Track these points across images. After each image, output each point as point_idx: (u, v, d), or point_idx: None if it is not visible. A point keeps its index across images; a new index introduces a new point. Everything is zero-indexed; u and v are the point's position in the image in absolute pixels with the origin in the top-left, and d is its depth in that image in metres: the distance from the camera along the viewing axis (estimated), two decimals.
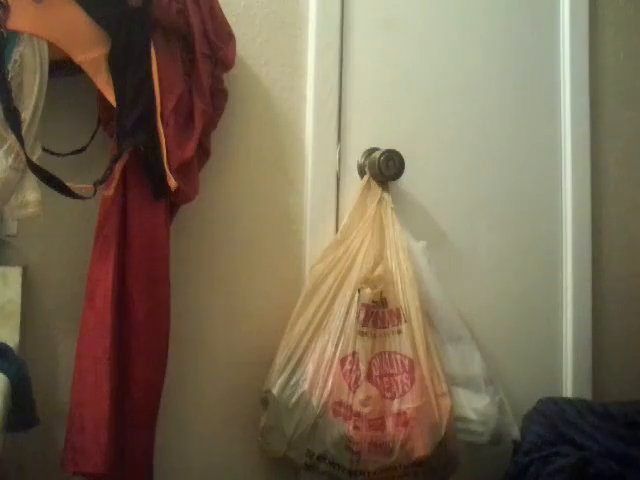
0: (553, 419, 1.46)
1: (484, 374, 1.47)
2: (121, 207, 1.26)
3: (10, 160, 1.13)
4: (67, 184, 1.17)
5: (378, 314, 1.41)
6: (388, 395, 1.37)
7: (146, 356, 1.27)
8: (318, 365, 1.37)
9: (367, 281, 1.41)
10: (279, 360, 1.39)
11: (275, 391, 1.36)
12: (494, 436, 1.43)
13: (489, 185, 1.71)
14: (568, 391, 1.71)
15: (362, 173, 1.57)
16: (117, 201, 1.25)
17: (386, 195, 1.51)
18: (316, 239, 1.53)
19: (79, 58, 1.17)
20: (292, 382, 1.37)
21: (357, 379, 1.36)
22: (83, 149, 1.32)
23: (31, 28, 1.13)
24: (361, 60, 1.62)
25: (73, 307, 1.29)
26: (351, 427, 1.34)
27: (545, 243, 1.75)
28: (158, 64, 1.26)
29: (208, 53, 1.35)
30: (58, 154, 1.28)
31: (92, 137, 1.33)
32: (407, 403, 1.35)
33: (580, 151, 1.78)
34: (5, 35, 1.12)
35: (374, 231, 1.46)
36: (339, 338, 1.38)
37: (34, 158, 1.15)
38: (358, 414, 1.34)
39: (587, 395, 1.71)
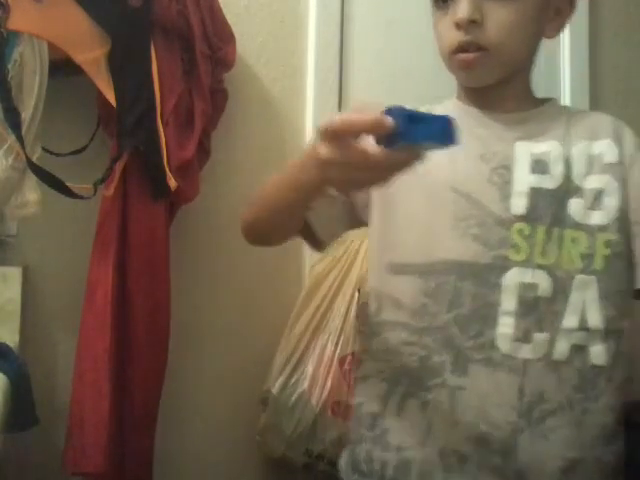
0: None
1: None
2: (121, 207, 1.26)
3: (10, 160, 1.13)
4: (67, 184, 1.17)
5: None
6: None
7: (146, 356, 1.27)
8: (318, 365, 1.37)
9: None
10: (279, 360, 1.39)
11: (275, 390, 1.36)
12: None
13: None
14: None
15: None
16: (117, 201, 1.25)
17: None
18: None
19: (79, 58, 1.17)
20: (292, 381, 1.37)
21: None
22: (83, 149, 1.32)
23: (31, 28, 1.13)
24: (361, 60, 1.62)
25: (73, 307, 1.29)
26: None
27: None
28: (158, 64, 1.26)
29: (208, 53, 1.35)
30: (58, 154, 1.27)
31: (92, 137, 1.33)
32: None
33: None
34: (5, 35, 1.12)
35: None
36: (339, 338, 1.38)
37: (34, 158, 1.15)
38: None
39: None
